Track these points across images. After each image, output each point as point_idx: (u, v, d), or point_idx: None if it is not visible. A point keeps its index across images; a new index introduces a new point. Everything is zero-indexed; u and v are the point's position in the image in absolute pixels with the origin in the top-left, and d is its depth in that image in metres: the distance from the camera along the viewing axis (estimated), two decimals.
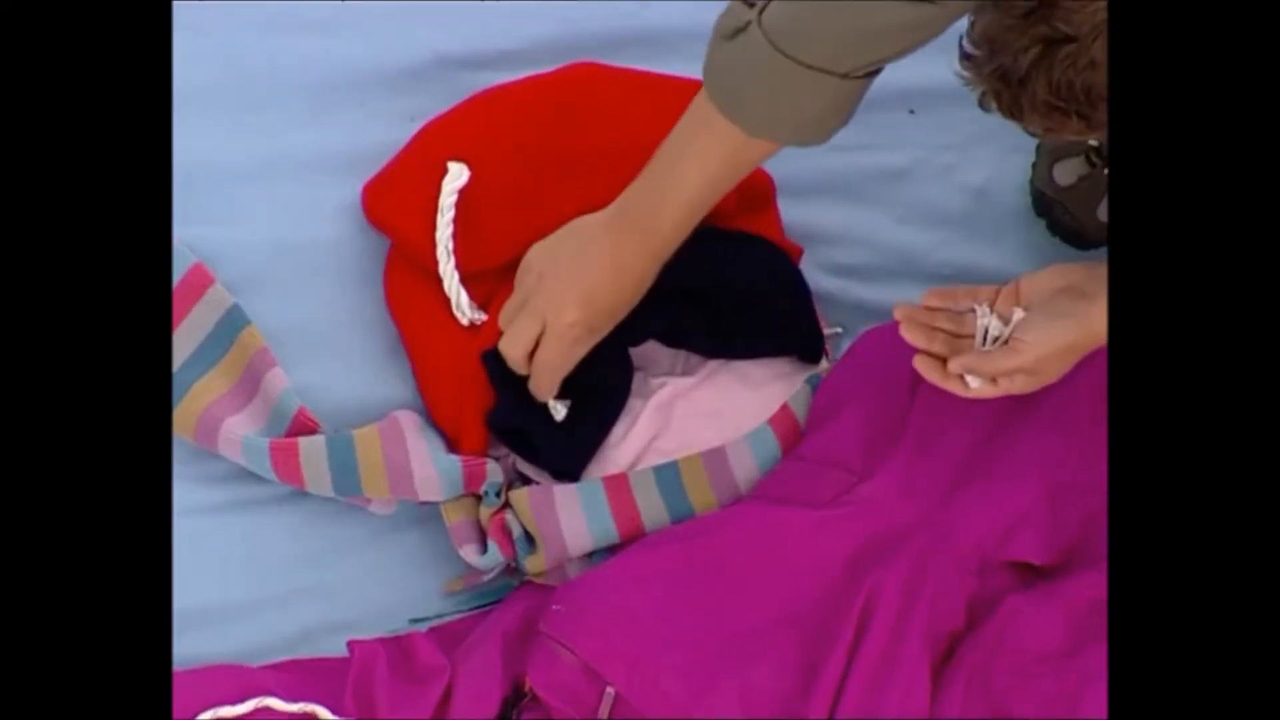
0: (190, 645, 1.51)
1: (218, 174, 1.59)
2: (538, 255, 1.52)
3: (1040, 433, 1.53)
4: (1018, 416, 1.54)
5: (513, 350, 1.52)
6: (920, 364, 1.45)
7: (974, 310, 1.47)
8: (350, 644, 1.52)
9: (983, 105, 1.31)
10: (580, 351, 1.53)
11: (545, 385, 1.53)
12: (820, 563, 1.53)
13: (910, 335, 1.45)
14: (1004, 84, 1.30)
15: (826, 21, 1.39)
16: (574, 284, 1.51)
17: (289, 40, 1.61)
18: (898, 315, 1.45)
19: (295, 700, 1.51)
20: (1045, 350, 1.43)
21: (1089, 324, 1.43)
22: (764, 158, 1.56)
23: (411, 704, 1.49)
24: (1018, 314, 1.43)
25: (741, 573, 1.53)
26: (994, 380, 1.45)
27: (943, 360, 1.47)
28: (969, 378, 1.44)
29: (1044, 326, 1.44)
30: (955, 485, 1.55)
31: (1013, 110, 1.32)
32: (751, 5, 1.38)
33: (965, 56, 1.32)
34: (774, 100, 1.43)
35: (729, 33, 1.40)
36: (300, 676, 1.53)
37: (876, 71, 1.42)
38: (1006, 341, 1.45)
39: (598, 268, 1.52)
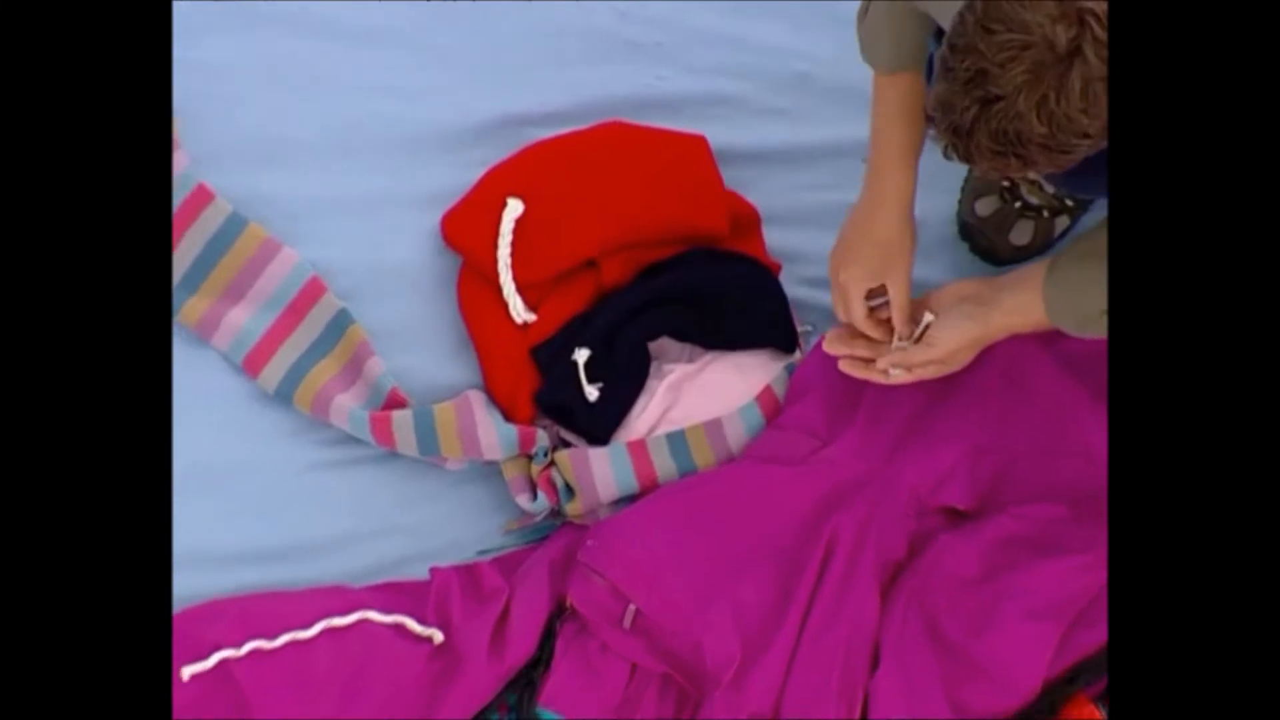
0: (309, 570, 1.90)
1: (328, 208, 1.95)
2: (846, 246, 1.84)
3: (961, 407, 1.89)
4: (943, 395, 1.90)
5: (845, 306, 1.85)
6: (845, 365, 1.82)
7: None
8: (431, 570, 1.89)
9: (945, 155, 1.57)
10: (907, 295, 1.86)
11: (904, 326, 1.87)
12: (794, 507, 1.90)
13: (831, 349, 1.82)
14: (956, 137, 1.56)
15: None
16: (866, 247, 1.86)
17: (388, 103, 1.94)
18: (825, 345, 1.81)
19: (389, 613, 1.86)
20: (954, 345, 1.78)
21: (988, 323, 1.77)
22: (915, 87, 1.86)
23: (478, 617, 1.87)
24: (927, 317, 1.78)
25: (733, 514, 1.90)
26: (910, 370, 1.81)
27: (868, 360, 1.81)
28: (892, 370, 1.80)
29: (953, 327, 1.78)
30: (896, 448, 1.91)
31: (966, 157, 1.57)
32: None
33: (927, 118, 1.62)
34: (902, 36, 1.83)
35: (861, 15, 1.82)
36: (393, 595, 1.90)
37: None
38: (919, 339, 1.81)
39: (876, 228, 1.85)
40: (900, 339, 1.79)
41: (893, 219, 1.87)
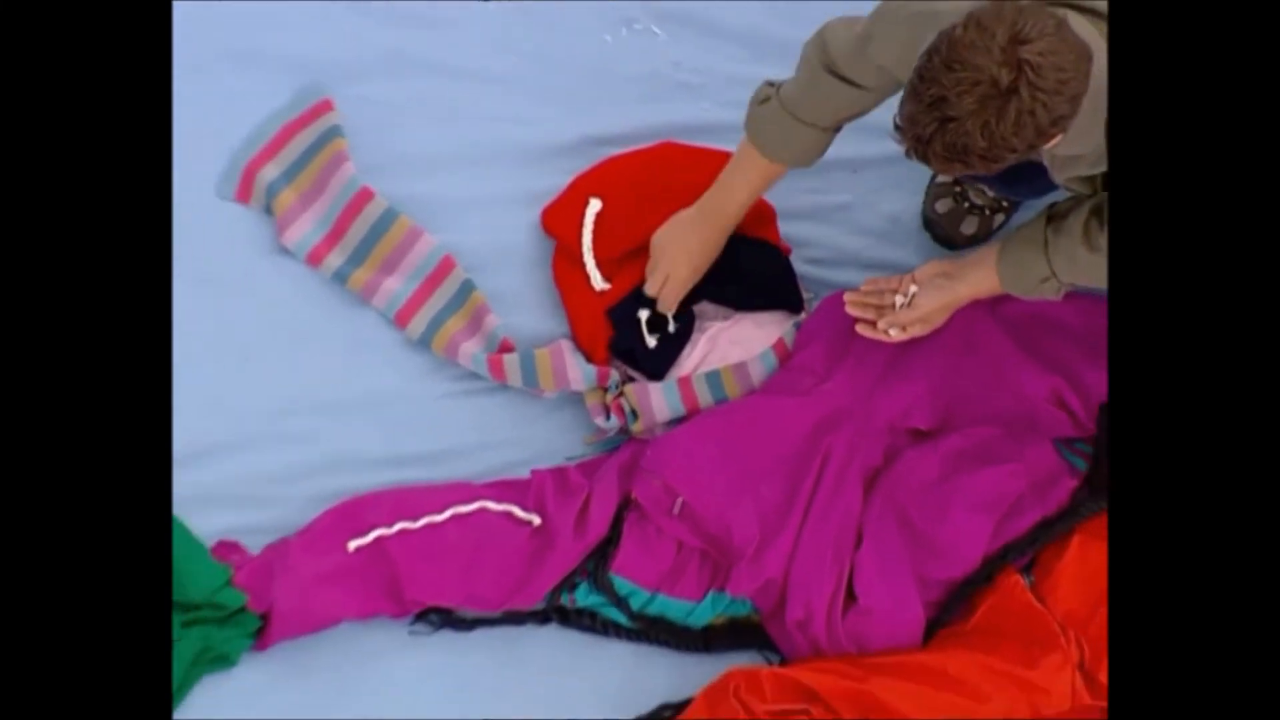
0: (442, 471, 2.41)
1: (458, 205, 2.47)
2: (659, 236, 2.38)
3: (924, 355, 2.38)
4: (912, 346, 2.37)
5: (652, 289, 2.43)
6: (860, 329, 2.30)
7: (893, 293, 2.29)
8: (532, 472, 2.41)
9: (908, 156, 1.91)
10: (686, 288, 2.41)
11: (669, 305, 2.42)
12: (799, 428, 2.38)
13: (854, 311, 2.31)
14: (917, 144, 1.89)
15: (812, 98, 2.15)
16: (681, 252, 2.34)
17: (503, 128, 2.47)
18: (847, 300, 2.31)
19: (500, 503, 2.36)
20: (931, 307, 2.27)
21: (956, 292, 2.25)
22: (779, 175, 2.35)
23: (566, 506, 2.37)
24: (913, 289, 2.27)
25: (754, 433, 2.37)
26: (904, 329, 2.31)
27: (871, 322, 2.30)
28: (891, 330, 2.29)
29: (931, 294, 2.27)
30: (876, 384, 2.40)
31: (924, 159, 1.92)
32: (772, 85, 2.18)
33: (896, 128, 1.93)
34: (785, 140, 2.20)
35: (760, 100, 2.21)
36: (503, 490, 2.39)
37: (839, 127, 2.18)
38: (909, 305, 2.31)
39: (695, 242, 2.35)
40: (896, 305, 2.28)
41: (711, 231, 2.38)
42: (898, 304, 2.28)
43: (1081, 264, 2.16)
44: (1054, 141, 1.85)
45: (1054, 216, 2.22)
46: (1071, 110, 1.82)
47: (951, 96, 1.86)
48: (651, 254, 2.38)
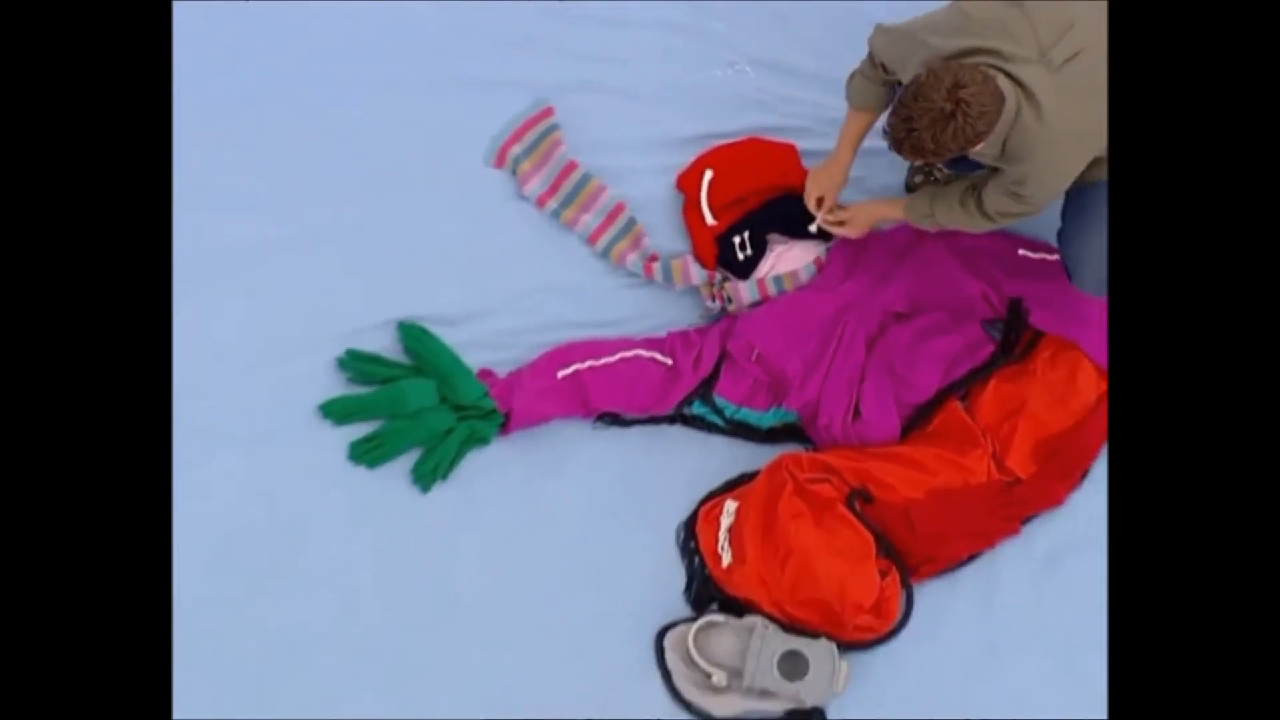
0: (613, 332, 3.65)
1: (631, 173, 3.72)
2: (813, 175, 3.53)
3: (902, 270, 3.64)
4: (896, 265, 3.62)
5: (812, 205, 3.56)
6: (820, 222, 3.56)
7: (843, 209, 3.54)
8: (668, 333, 3.64)
9: (890, 149, 3.01)
10: (835, 197, 3.52)
11: (830, 207, 3.54)
12: (827, 310, 3.65)
13: (821, 218, 3.55)
14: (895, 144, 2.97)
15: (867, 71, 3.30)
16: (826, 179, 3.51)
17: (657, 129, 3.73)
18: (819, 219, 3.57)
19: (649, 351, 3.64)
20: (854, 215, 3.53)
21: (872, 212, 3.52)
22: (867, 123, 3.41)
23: (687, 354, 3.64)
24: (850, 209, 3.52)
25: (801, 313, 3.63)
26: (843, 224, 3.52)
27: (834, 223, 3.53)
28: (838, 228, 3.54)
29: (858, 210, 3.51)
30: (874, 286, 3.64)
31: (899, 152, 2.99)
32: (854, 71, 3.33)
33: (885, 133, 3.04)
34: (863, 93, 3.36)
35: (849, 79, 3.34)
36: (650, 344, 3.70)
37: (889, 85, 3.29)
38: (850, 216, 3.54)
39: (829, 173, 3.51)
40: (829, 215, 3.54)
41: (836, 170, 3.56)
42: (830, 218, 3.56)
43: (955, 215, 3.36)
44: (978, 146, 3.00)
45: (942, 185, 3.43)
46: (988, 129, 2.96)
47: (915, 117, 2.96)
48: (807, 186, 3.59)
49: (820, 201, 3.56)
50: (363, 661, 3.49)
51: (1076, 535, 3.61)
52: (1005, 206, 3.27)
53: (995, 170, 3.23)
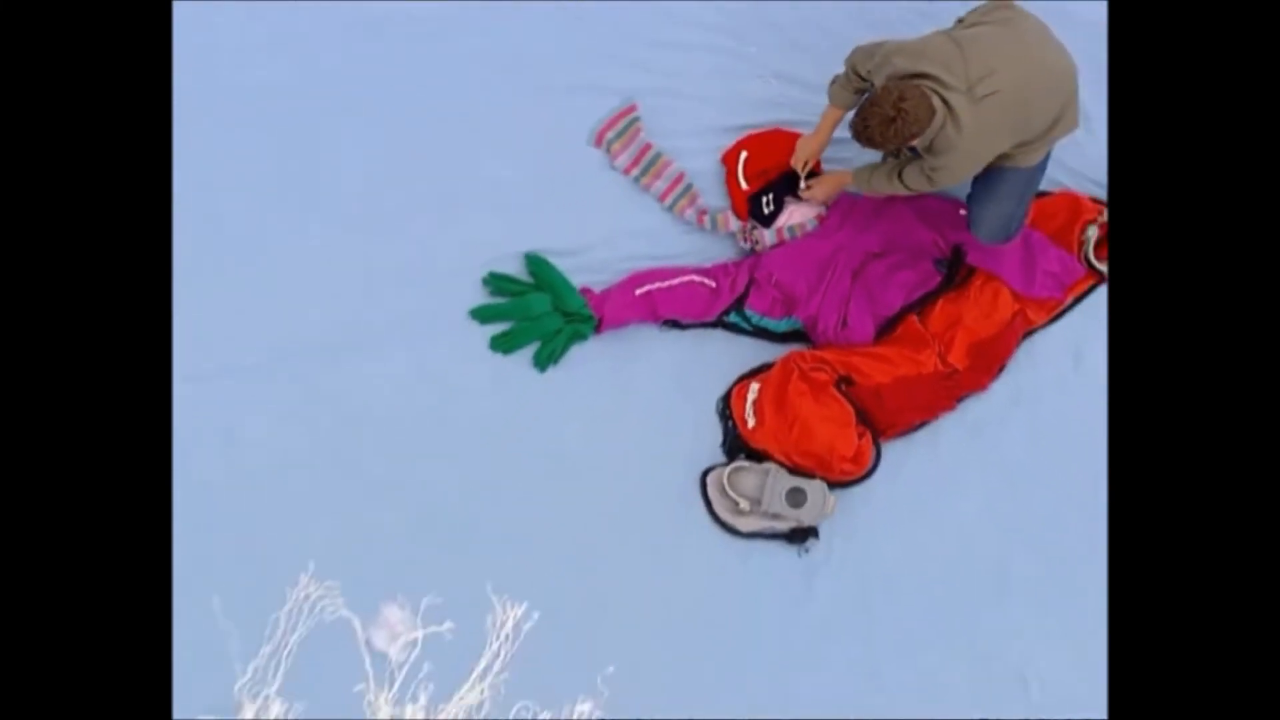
0: (676, 262, 5.09)
1: (687, 152, 5.16)
2: (800, 146, 4.93)
3: (878, 222, 5.10)
4: (873, 218, 5.09)
5: (797, 164, 4.96)
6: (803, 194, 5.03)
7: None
8: (713, 264, 5.10)
9: (854, 139, 4.38)
10: (814, 162, 4.97)
11: (810, 166, 4.99)
12: (826, 250, 5.12)
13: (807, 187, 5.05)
14: (856, 137, 4.34)
15: (847, 77, 4.69)
16: (806, 148, 4.93)
17: (701, 118, 5.22)
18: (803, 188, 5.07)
19: (700, 276, 5.07)
20: (818, 185, 5.00)
21: (829, 183, 5.00)
22: (839, 118, 4.75)
23: (726, 279, 5.10)
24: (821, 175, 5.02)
25: (807, 252, 5.10)
26: (810, 189, 5.01)
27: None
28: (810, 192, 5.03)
29: (820, 183, 5.00)
30: (858, 233, 5.10)
31: (859, 143, 4.36)
32: (835, 77, 4.75)
33: (850, 126, 4.45)
34: (841, 94, 4.70)
35: (831, 83, 4.71)
36: (700, 272, 5.09)
37: (860, 91, 4.66)
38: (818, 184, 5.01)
39: (809, 145, 4.92)
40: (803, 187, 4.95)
41: (814, 144, 4.92)
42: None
43: (884, 185, 4.71)
44: (914, 141, 4.34)
45: (880, 163, 4.74)
46: (919, 133, 4.28)
47: (869, 118, 4.26)
48: (795, 150, 4.91)
49: (805, 165, 4.95)
50: (493, 493, 4.99)
51: (995, 410, 5.06)
52: (918, 184, 4.64)
53: (920, 157, 4.57)
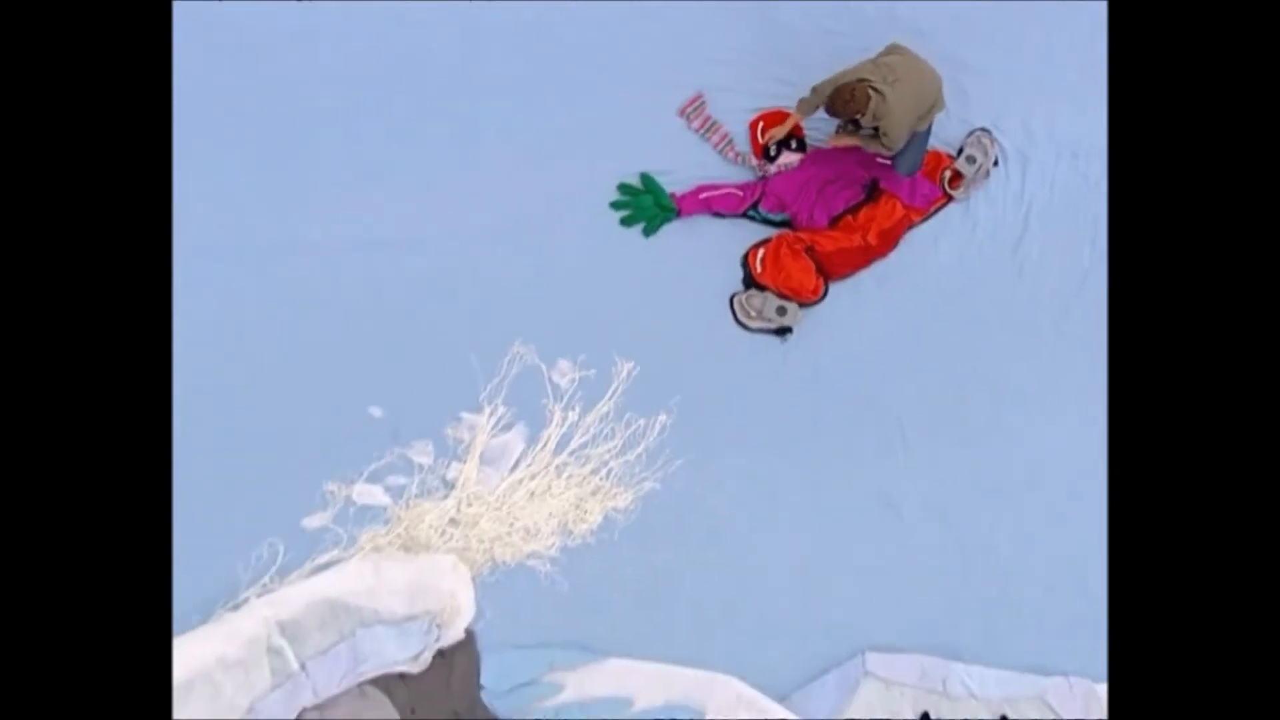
0: (711, 179, 9.35)
1: (731, 121, 9.30)
2: (778, 126, 9.05)
3: (835, 163, 9.18)
4: (834, 162, 9.16)
5: (780, 135, 9.00)
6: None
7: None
8: (742, 183, 9.17)
9: (826, 114, 8.63)
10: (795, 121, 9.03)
11: (781, 134, 9.22)
12: (806, 176, 9.11)
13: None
14: (828, 111, 8.21)
15: (813, 93, 8.93)
16: (779, 129, 8.98)
17: (738, 102, 9.42)
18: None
19: (737, 189, 9.13)
20: (784, 126, 9.15)
21: (792, 120, 8.99)
22: (801, 119, 8.94)
23: (750, 191, 9.02)
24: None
25: (798, 178, 9.10)
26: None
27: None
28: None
29: (784, 125, 9.09)
30: (822, 169, 9.09)
31: (830, 115, 8.47)
32: (807, 99, 8.93)
33: (825, 108, 8.64)
34: (809, 103, 8.86)
35: (799, 101, 8.82)
36: (735, 186, 9.12)
37: (818, 107, 8.91)
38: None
39: (782, 130, 8.99)
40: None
41: (783, 130, 8.40)
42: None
43: (859, 143, 8.78)
44: (861, 118, 8.41)
45: (848, 128, 8.82)
46: (864, 112, 8.21)
47: (835, 102, 8.18)
48: (777, 127, 8.83)
49: (783, 133, 8.94)
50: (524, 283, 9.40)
51: (897, 265, 9.34)
52: (877, 146, 8.68)
53: (875, 129, 8.75)
